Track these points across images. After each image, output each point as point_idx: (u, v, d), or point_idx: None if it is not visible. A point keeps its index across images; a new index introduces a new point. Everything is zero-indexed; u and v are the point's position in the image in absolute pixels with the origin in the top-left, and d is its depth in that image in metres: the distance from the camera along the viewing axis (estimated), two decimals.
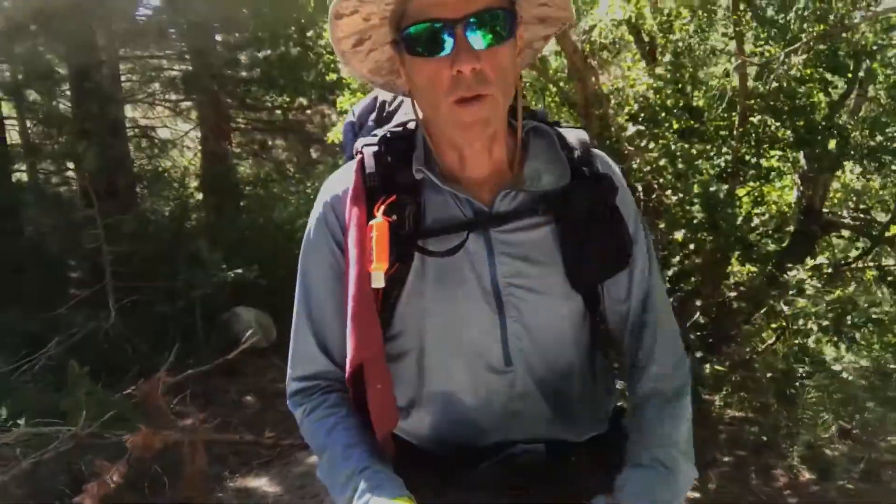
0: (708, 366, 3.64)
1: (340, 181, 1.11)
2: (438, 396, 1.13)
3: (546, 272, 1.09)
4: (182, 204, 7.19)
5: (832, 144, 4.91)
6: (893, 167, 4.85)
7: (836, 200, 5.93)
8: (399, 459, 1.12)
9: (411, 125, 1.15)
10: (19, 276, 4.49)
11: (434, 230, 1.06)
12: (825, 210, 5.84)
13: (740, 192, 5.62)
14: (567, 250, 1.08)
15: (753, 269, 5.35)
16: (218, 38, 9.16)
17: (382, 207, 1.02)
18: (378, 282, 0.99)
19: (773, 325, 4.43)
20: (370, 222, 1.01)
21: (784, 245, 5.76)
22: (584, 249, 1.07)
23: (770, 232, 5.81)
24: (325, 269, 1.10)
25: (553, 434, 1.15)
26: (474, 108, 0.97)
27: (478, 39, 0.94)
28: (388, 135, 1.12)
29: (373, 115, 1.24)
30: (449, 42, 0.94)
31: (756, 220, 5.92)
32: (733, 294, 4.98)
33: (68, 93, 5.75)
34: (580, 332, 1.15)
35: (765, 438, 3.36)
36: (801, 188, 5.75)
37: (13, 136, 5.78)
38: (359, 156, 1.10)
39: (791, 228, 5.78)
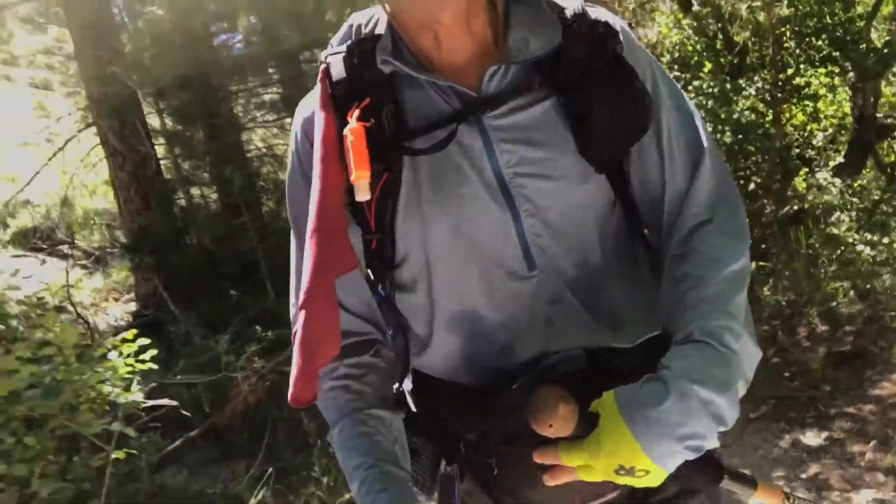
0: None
1: (309, 102, 1.00)
2: (457, 319, 0.99)
3: (556, 153, 0.93)
4: None
5: (871, 55, 5.31)
6: None
7: (887, 106, 6.23)
8: (427, 397, 1.05)
9: (381, 28, 0.98)
10: (199, 278, 5.76)
11: (419, 129, 0.93)
12: (879, 115, 6.19)
13: (794, 111, 6.11)
14: (574, 122, 0.93)
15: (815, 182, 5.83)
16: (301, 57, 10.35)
17: (356, 112, 0.90)
18: (363, 192, 0.87)
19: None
20: (344, 130, 0.89)
21: (843, 155, 6.18)
22: (592, 115, 0.91)
23: (826, 146, 6.25)
24: (307, 204, 0.95)
25: (598, 341, 0.98)
26: None
27: None
28: (355, 39, 0.98)
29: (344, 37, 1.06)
30: None
31: (819, 136, 6.39)
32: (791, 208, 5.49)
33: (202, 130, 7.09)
34: (610, 221, 0.99)
35: (789, 310, 4.01)
36: (852, 99, 6.13)
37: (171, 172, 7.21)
38: (322, 65, 0.98)
39: (845, 139, 6.17)
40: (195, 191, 7.42)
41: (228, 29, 8.87)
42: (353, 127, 0.89)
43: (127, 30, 7.63)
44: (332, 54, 0.98)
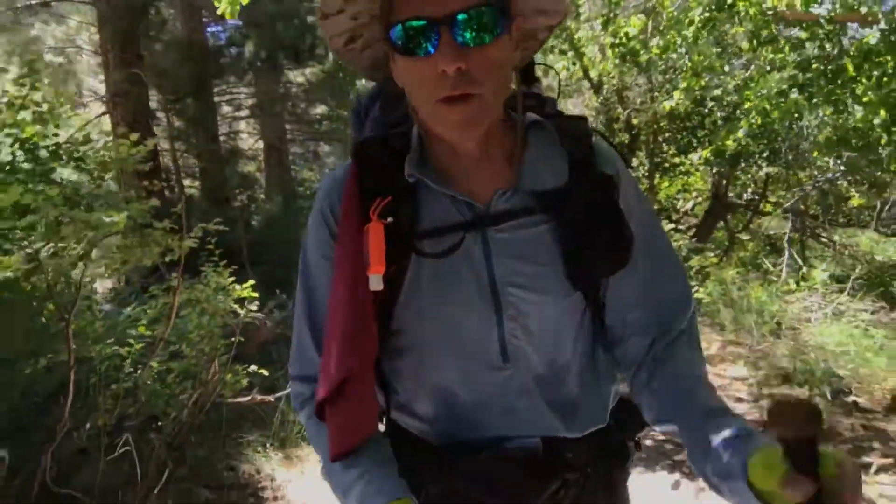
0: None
1: (337, 182, 1.07)
2: (436, 393, 1.09)
3: (544, 271, 1.02)
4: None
5: (730, 148, 7.20)
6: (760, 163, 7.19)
7: (738, 187, 8.28)
8: (398, 445, 1.09)
9: (407, 121, 1.08)
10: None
11: (431, 231, 1.01)
12: (730, 194, 8.23)
13: (665, 183, 8.10)
14: (565, 249, 1.01)
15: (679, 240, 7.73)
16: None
17: (378, 210, 0.99)
18: (376, 284, 0.97)
19: None
20: (366, 226, 0.98)
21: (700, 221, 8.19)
22: (582, 249, 1.01)
23: (688, 212, 8.27)
24: (326, 267, 1.06)
25: (552, 431, 1.08)
26: (460, 108, 0.92)
27: (464, 38, 0.90)
28: (387, 133, 1.09)
29: (378, 104, 1.16)
30: (433, 41, 0.90)
31: (681, 204, 8.40)
32: None
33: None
34: (580, 329, 1.09)
35: None
36: (712, 180, 8.15)
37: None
38: (355, 157, 1.06)
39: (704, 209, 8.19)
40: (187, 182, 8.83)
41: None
42: (374, 224, 0.98)
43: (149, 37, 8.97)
44: (364, 143, 1.07)
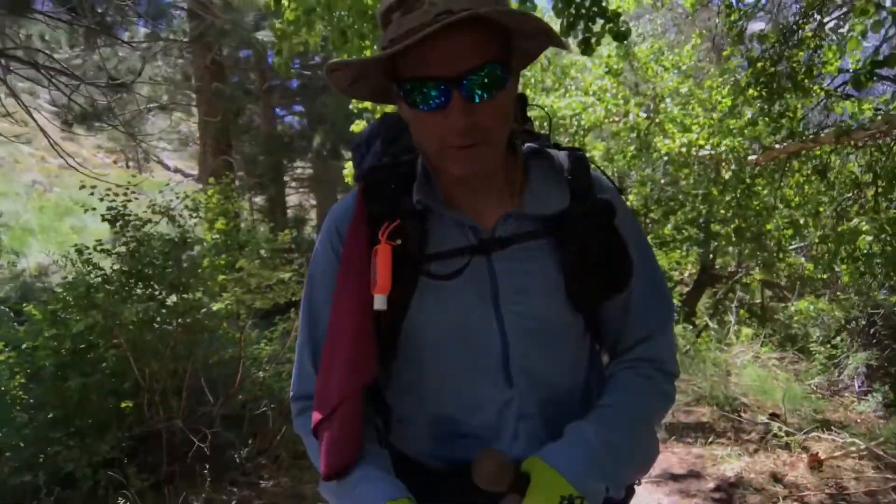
0: None
1: (345, 208, 1.09)
2: (436, 415, 1.09)
3: (548, 294, 1.04)
4: None
5: (714, 227, 8.56)
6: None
7: (722, 262, 9.62)
8: (395, 469, 1.08)
9: (411, 149, 1.11)
10: None
11: (437, 254, 1.03)
12: (716, 268, 9.56)
13: (660, 255, 9.49)
14: (568, 273, 1.03)
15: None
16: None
17: (387, 232, 1.00)
18: (380, 304, 0.97)
19: None
20: (374, 248, 1.00)
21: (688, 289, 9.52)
22: (584, 273, 1.03)
23: (682, 280, 9.62)
24: (330, 294, 1.06)
25: None
26: (468, 153, 0.94)
27: (474, 95, 0.91)
28: (393, 160, 1.09)
29: (380, 138, 1.16)
30: (444, 98, 0.91)
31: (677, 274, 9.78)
32: None
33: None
34: (580, 352, 1.12)
35: None
36: (700, 254, 9.50)
37: None
38: (362, 182, 1.08)
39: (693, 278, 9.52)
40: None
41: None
42: (383, 246, 0.99)
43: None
44: (372, 169, 1.09)
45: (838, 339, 6.58)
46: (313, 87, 11.45)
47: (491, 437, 1.06)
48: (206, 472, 3.46)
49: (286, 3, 4.28)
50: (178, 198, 4.19)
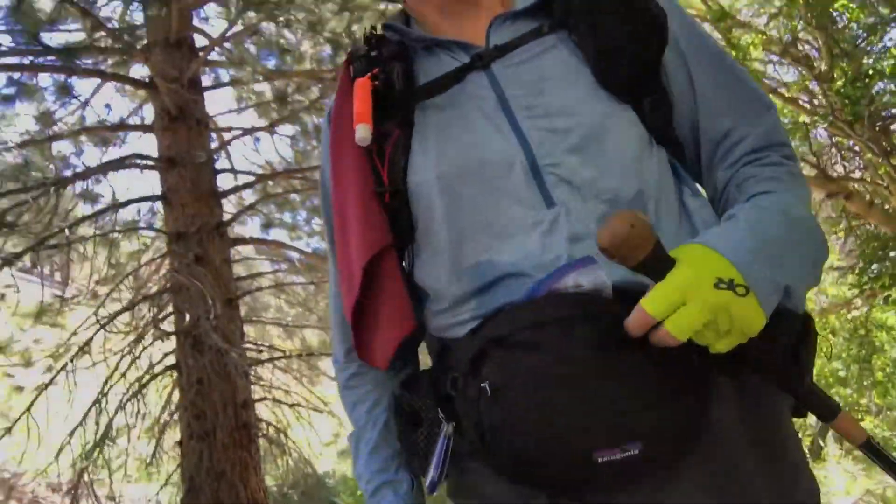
0: None
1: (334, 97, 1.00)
2: (478, 271, 0.86)
3: (571, 84, 0.87)
4: None
5: None
6: None
7: None
8: (442, 362, 0.90)
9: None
10: None
11: (428, 86, 0.91)
12: None
13: None
14: (589, 54, 0.88)
15: None
16: None
17: (369, 75, 0.90)
18: (363, 134, 0.84)
19: None
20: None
21: None
22: (604, 36, 0.87)
23: None
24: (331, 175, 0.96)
25: (625, 278, 0.76)
26: None
27: None
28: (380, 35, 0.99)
29: None
30: None
31: None
32: None
33: None
34: (643, 151, 0.87)
35: None
36: None
37: None
38: (348, 53, 0.99)
39: None
40: None
41: None
42: (361, 80, 0.89)
43: None
44: (357, 44, 1.01)
45: None
46: None
47: (539, 273, 0.81)
48: None
49: None
50: None
